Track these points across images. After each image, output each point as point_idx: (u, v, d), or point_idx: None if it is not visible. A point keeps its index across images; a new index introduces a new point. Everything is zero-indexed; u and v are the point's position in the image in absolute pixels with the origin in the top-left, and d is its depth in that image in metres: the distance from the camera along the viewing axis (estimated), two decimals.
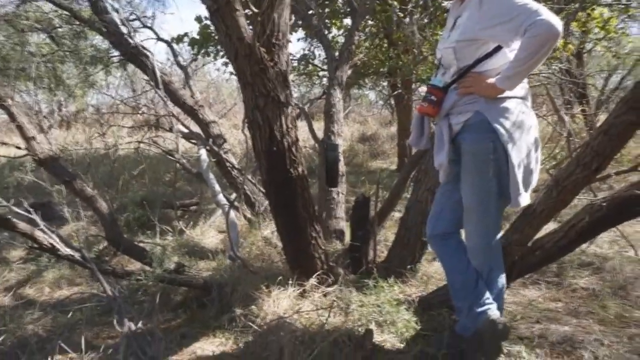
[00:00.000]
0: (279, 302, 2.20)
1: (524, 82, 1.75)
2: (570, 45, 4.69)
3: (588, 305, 2.39)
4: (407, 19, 5.32)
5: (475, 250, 1.87)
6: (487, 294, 1.85)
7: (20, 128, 2.85)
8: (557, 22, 1.49)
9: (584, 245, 2.20)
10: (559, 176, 1.85)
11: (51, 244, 2.24)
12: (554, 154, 3.93)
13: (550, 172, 2.21)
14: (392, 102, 9.45)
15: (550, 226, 2.10)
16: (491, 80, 1.68)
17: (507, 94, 1.69)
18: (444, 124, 1.80)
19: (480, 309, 1.82)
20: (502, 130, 1.67)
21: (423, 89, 8.27)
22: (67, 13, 5.41)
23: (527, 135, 1.73)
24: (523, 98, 1.75)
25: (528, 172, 1.76)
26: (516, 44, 1.67)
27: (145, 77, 4.10)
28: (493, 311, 1.81)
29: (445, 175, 1.89)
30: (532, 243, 2.04)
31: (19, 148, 2.96)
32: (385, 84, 8.47)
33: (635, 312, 2.28)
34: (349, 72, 4.16)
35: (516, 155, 1.69)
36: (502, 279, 1.92)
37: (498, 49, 1.70)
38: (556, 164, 3.25)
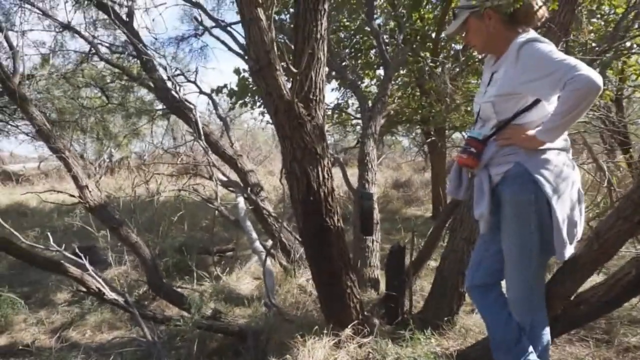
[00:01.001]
0: (314, 352, 2.19)
1: (565, 135, 1.76)
2: (608, 92, 4.65)
3: None
4: (439, 69, 5.46)
5: (517, 303, 1.82)
6: (531, 350, 1.79)
7: (74, 178, 3.06)
8: (597, 77, 1.52)
9: (634, 300, 2.09)
10: (600, 228, 1.81)
11: (98, 288, 2.35)
12: (596, 203, 3.82)
13: (590, 224, 2.15)
14: (426, 148, 9.49)
15: (596, 280, 2.03)
16: (531, 132, 1.70)
17: (547, 145, 1.69)
18: (483, 175, 1.82)
19: None
20: (543, 181, 1.67)
21: (456, 135, 8.31)
22: (118, 70, 5.88)
23: (571, 186, 1.72)
24: (564, 150, 1.76)
25: (572, 225, 1.73)
26: (555, 98, 1.70)
27: (187, 128, 4.34)
28: None
29: (486, 226, 1.88)
30: (575, 297, 1.97)
31: (72, 196, 3.16)
32: (418, 131, 8.56)
33: None
34: (383, 121, 4.27)
35: (560, 207, 1.67)
36: (547, 335, 1.85)
37: (537, 102, 1.72)
38: (598, 215, 3.16)
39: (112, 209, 3.19)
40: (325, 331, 2.30)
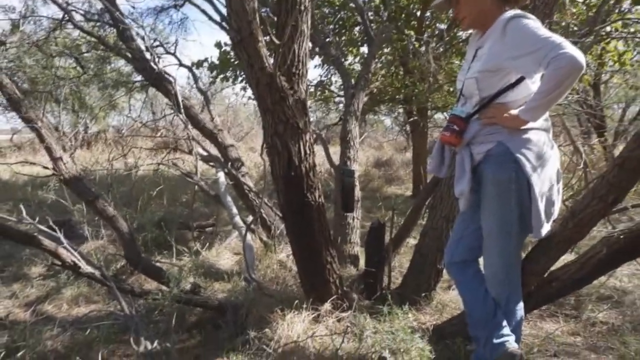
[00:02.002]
0: (293, 326, 2.21)
1: (546, 115, 1.77)
2: (587, 77, 4.71)
3: (607, 341, 2.34)
4: (423, 48, 5.43)
5: (494, 280, 1.86)
6: (506, 325, 1.84)
7: (48, 149, 2.96)
8: (581, 56, 1.52)
9: (602, 278, 2.17)
10: (575, 208, 1.85)
11: (73, 261, 2.30)
12: (571, 185, 3.91)
13: (566, 204, 2.21)
14: (408, 128, 9.52)
15: (568, 258, 2.09)
16: (514, 111, 1.71)
17: (529, 125, 1.71)
18: (465, 153, 1.83)
19: (498, 340, 1.80)
20: (524, 160, 1.68)
21: (438, 116, 8.35)
22: (94, 39, 5.65)
23: (550, 166, 1.75)
24: (545, 130, 1.77)
25: (550, 204, 1.77)
26: (538, 76, 1.70)
27: (166, 101, 4.24)
28: (511, 343, 1.79)
29: (466, 203, 1.90)
30: (548, 274, 2.03)
31: (46, 168, 3.07)
32: (401, 110, 8.57)
33: None
34: (365, 99, 4.24)
35: (539, 186, 1.70)
36: (521, 310, 1.90)
37: (520, 80, 1.72)
38: (572, 195, 3.24)
39: (88, 182, 3.11)
40: (304, 306, 2.32)
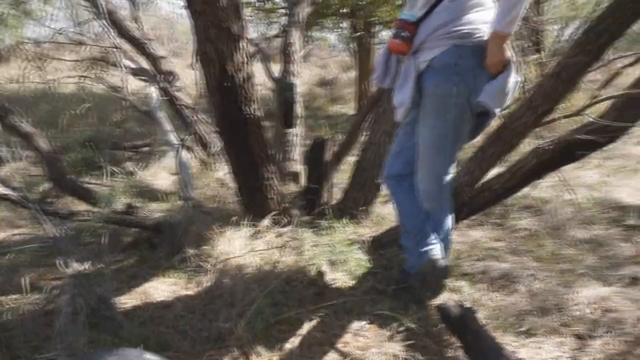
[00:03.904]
0: (232, 242, 2.20)
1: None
2: None
3: (527, 245, 2.54)
4: None
5: (427, 193, 1.89)
6: (433, 235, 1.91)
7: None
8: None
9: (526, 190, 2.31)
10: (509, 119, 1.88)
11: None
12: None
13: (500, 116, 2.24)
14: (353, 46, 9.25)
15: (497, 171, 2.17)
16: (498, 33, 1.58)
17: (479, 33, 1.64)
18: (411, 61, 1.75)
19: (424, 249, 1.88)
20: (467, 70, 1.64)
21: (385, 33, 8.12)
22: None
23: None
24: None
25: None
26: None
27: (86, 4, 3.75)
28: (436, 251, 1.88)
29: (403, 114, 1.86)
30: (481, 185, 2.11)
31: None
32: (346, 25, 8.23)
33: (567, 250, 2.45)
34: (309, 9, 3.98)
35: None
36: (450, 221, 1.98)
37: None
38: (506, 108, 3.33)
39: None
40: (243, 222, 2.30)
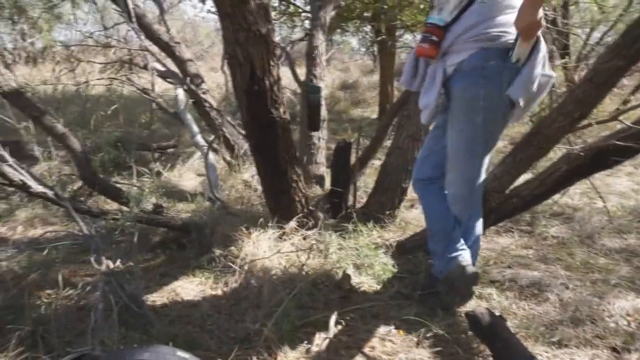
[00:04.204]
0: (259, 244, 2.21)
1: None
2: None
3: (556, 253, 2.48)
4: None
5: (456, 198, 1.88)
6: (462, 241, 1.89)
7: None
8: None
9: (556, 197, 2.26)
10: (541, 124, 1.85)
11: (22, 180, 2.15)
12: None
13: (531, 121, 2.21)
14: (375, 50, 9.22)
15: (526, 178, 2.14)
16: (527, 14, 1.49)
17: (505, 36, 1.62)
18: (439, 65, 1.75)
19: (452, 255, 1.86)
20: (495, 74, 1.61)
21: (407, 37, 8.08)
22: None
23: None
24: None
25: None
26: None
27: (117, 9, 3.84)
28: (464, 257, 1.85)
29: (429, 116, 1.85)
30: (509, 191, 2.08)
31: None
32: (368, 29, 8.22)
33: (599, 259, 2.39)
34: (333, 13, 4.00)
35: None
36: (479, 227, 1.96)
37: None
38: (536, 114, 3.27)
39: (31, 98, 2.85)
40: (269, 224, 2.31)
